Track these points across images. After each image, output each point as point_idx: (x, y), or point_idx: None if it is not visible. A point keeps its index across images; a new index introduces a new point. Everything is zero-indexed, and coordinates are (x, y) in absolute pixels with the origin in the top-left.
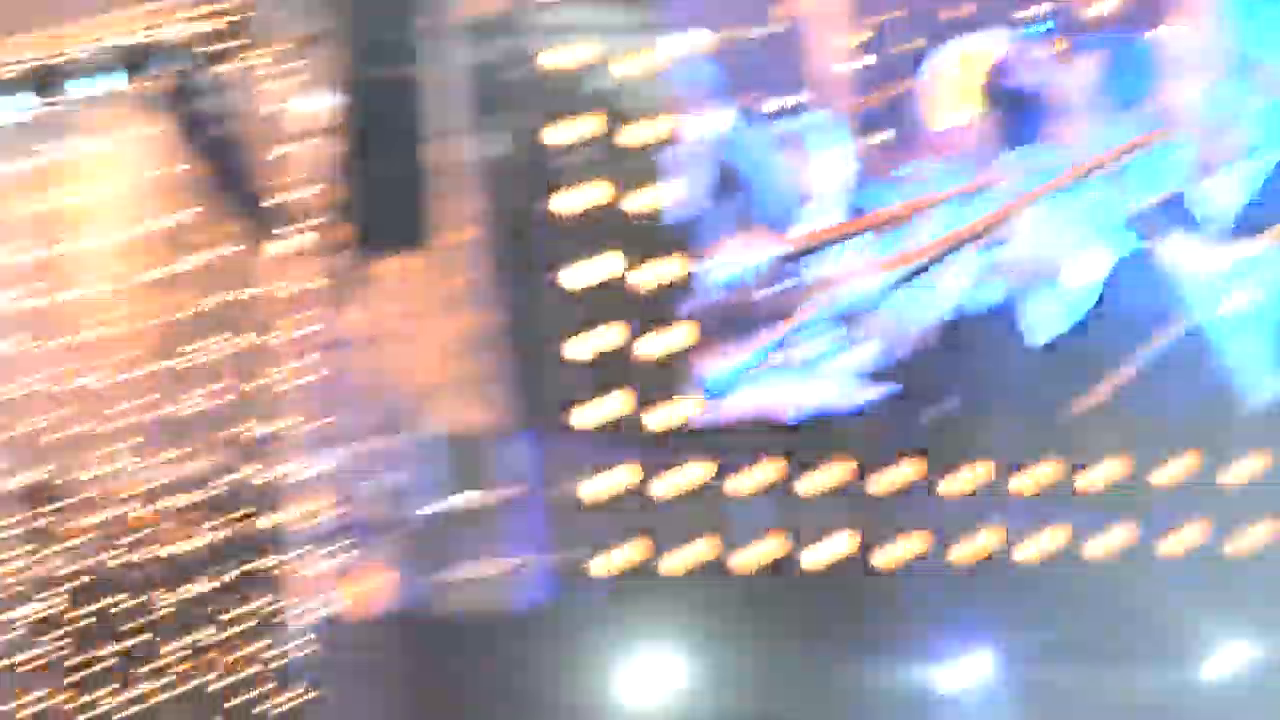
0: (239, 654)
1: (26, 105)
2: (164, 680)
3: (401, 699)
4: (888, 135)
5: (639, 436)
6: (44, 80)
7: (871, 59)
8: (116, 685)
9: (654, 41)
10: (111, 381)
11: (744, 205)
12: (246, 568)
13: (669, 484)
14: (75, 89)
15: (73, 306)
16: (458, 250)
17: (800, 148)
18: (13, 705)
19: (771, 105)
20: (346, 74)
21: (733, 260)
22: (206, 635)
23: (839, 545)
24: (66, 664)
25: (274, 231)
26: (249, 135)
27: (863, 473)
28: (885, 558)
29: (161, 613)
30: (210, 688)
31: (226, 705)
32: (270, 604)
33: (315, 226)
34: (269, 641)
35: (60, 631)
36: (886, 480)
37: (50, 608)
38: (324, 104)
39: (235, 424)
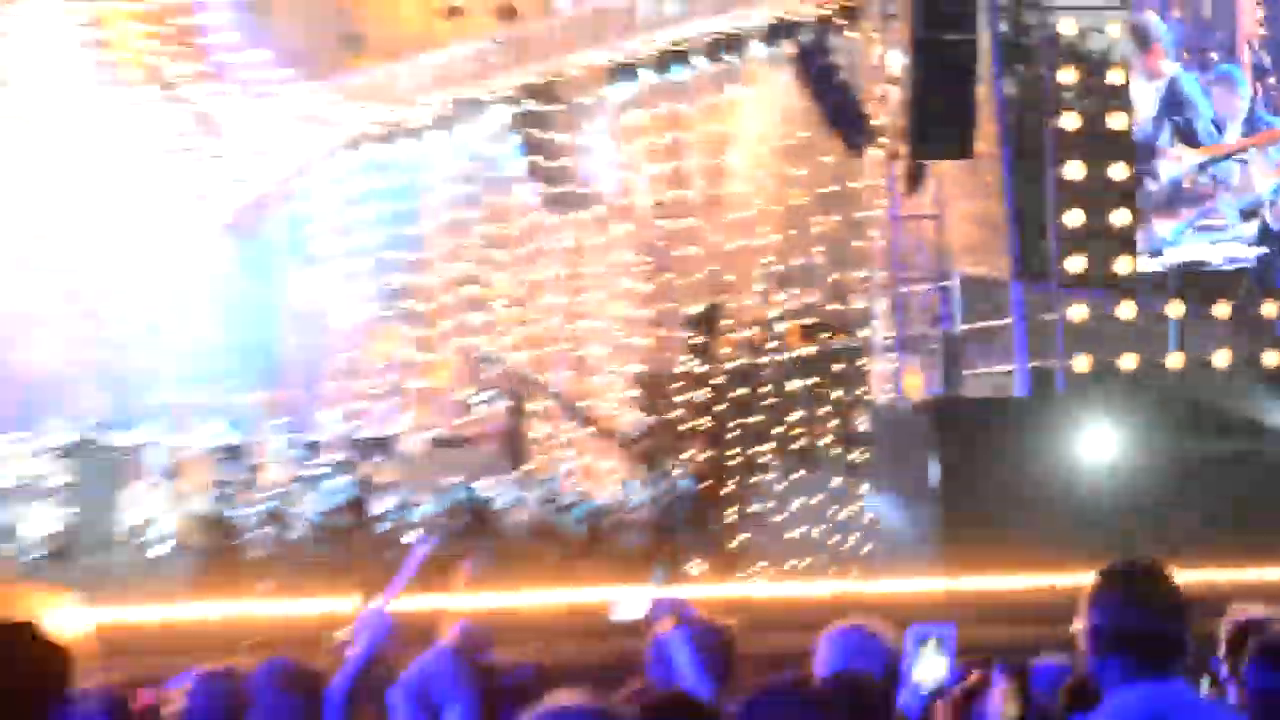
0: (831, 423)
1: (704, 64)
2: (781, 442)
3: (935, 455)
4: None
5: (1102, 280)
6: (720, 47)
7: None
8: (748, 445)
9: (1126, 13)
10: (751, 244)
11: (1182, 125)
12: (837, 367)
13: (1121, 312)
14: (737, 54)
15: (726, 196)
16: (987, 156)
17: (1220, 85)
18: (688, 456)
19: (1202, 56)
20: (916, 38)
21: (1172, 162)
22: (810, 411)
23: (1229, 355)
24: (718, 429)
25: (866, 144)
26: (850, 81)
27: (1251, 302)
28: (1270, 361)
29: (782, 397)
30: (813, 445)
31: (822, 457)
32: (852, 391)
33: (893, 141)
34: (851, 416)
35: (717, 409)
36: (1269, 308)
37: (708, 394)
38: (900, 59)
39: (834, 271)
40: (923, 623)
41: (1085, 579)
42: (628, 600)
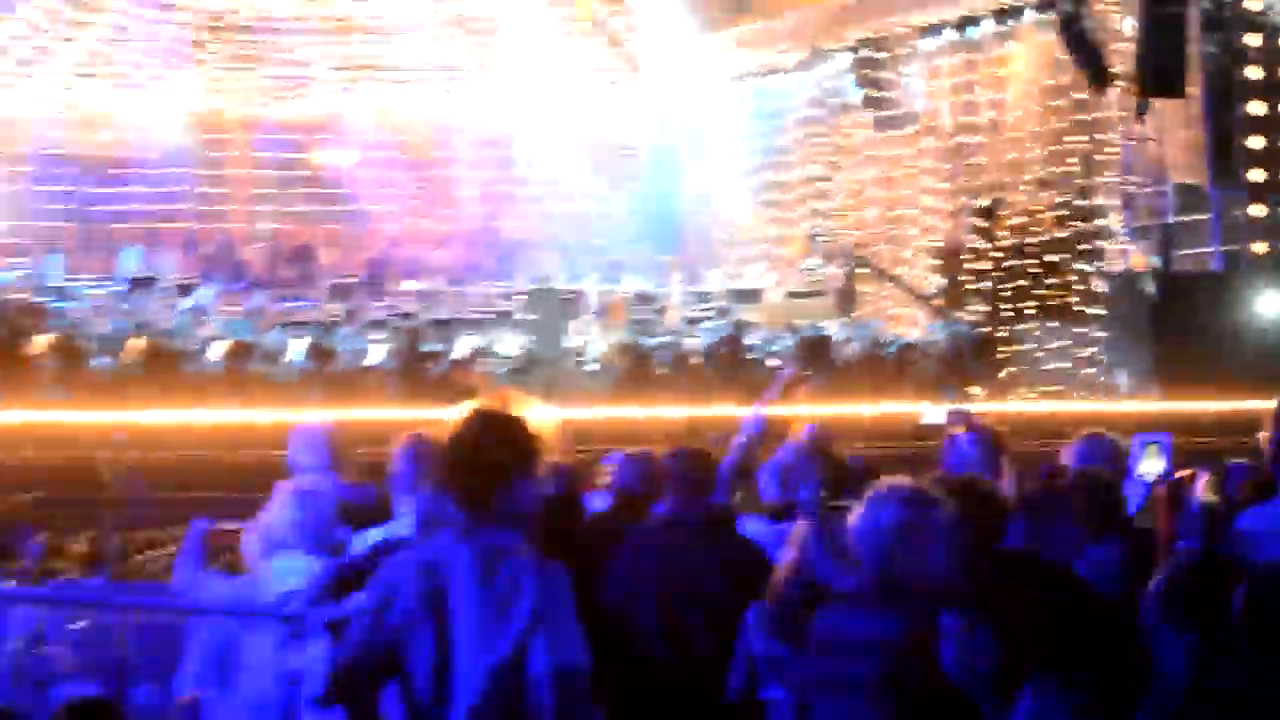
0: (1078, 288)
1: (991, 25)
2: (1041, 300)
3: (1154, 312)
4: None
5: (1275, 187)
6: (1004, 13)
7: None
8: (1017, 301)
9: None
10: (1023, 156)
11: None
12: (1083, 246)
13: None
14: (1015, 19)
15: (1005, 120)
16: (1193, 96)
17: None
18: (973, 309)
19: None
20: (1145, 9)
21: None
22: (1063, 278)
23: None
24: (996, 290)
25: (1108, 85)
26: (1098, 38)
27: None
28: None
29: (1043, 267)
30: (1065, 303)
31: (1070, 312)
32: (1094, 264)
33: (1127, 83)
34: (1093, 282)
35: (995, 275)
36: None
37: (988, 265)
38: (1133, 24)
39: (1082, 177)
40: (1146, 433)
41: (1266, 404)
42: (931, 411)
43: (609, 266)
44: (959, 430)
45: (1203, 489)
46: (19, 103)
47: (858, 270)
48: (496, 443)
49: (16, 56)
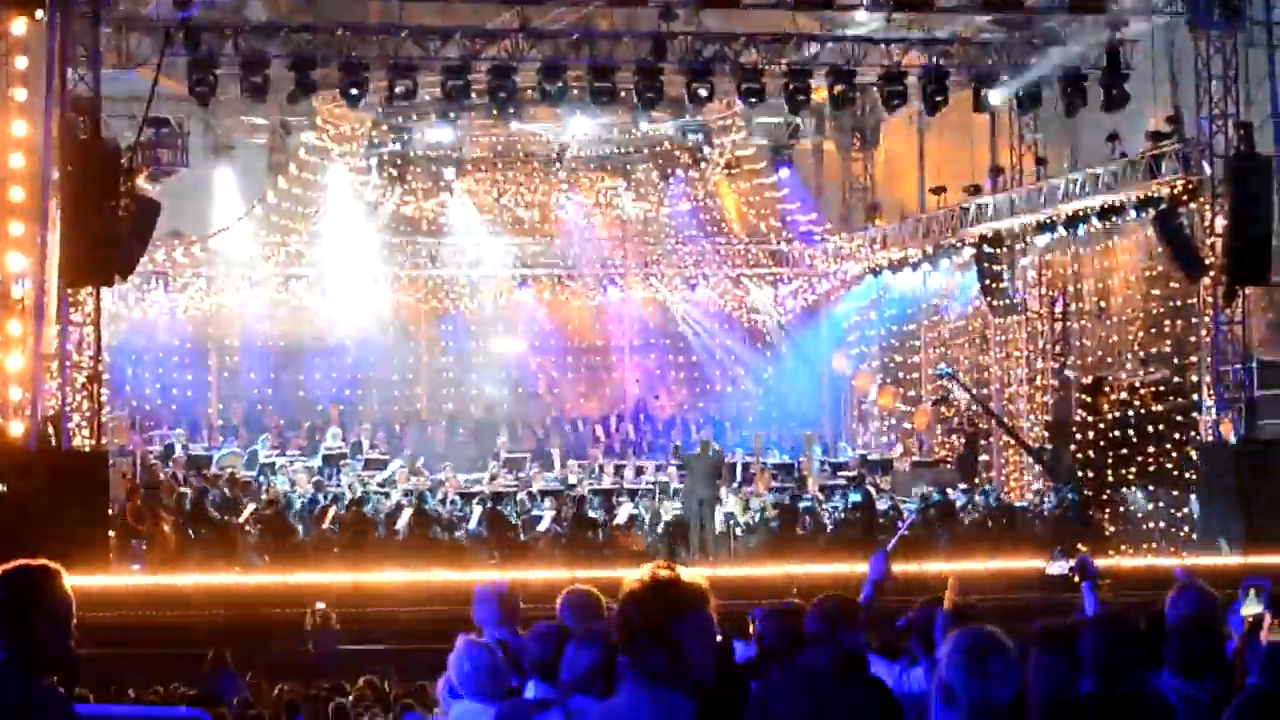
0: (1173, 455)
1: (1096, 223)
2: (1139, 466)
3: (1240, 475)
4: None
5: None
6: (1108, 212)
7: None
8: (1118, 468)
9: None
10: (1125, 337)
11: None
12: (1177, 418)
13: None
14: (1119, 217)
15: (1109, 307)
16: (1276, 283)
17: None
18: (1080, 474)
19: None
20: (1232, 211)
21: None
22: (1159, 446)
23: None
24: (1100, 457)
25: (1199, 274)
26: (1190, 234)
27: None
28: None
29: (1140, 437)
30: (1160, 468)
31: (1166, 477)
32: (1186, 433)
33: (1216, 272)
34: (1185, 450)
35: (1100, 444)
36: None
37: (1093, 435)
38: (1221, 222)
39: (1176, 356)
40: (1253, 577)
41: None
42: (1053, 565)
43: (753, 437)
44: (1079, 579)
45: (1268, 631)
46: (235, 301)
47: (982, 426)
48: (679, 599)
49: (234, 260)
